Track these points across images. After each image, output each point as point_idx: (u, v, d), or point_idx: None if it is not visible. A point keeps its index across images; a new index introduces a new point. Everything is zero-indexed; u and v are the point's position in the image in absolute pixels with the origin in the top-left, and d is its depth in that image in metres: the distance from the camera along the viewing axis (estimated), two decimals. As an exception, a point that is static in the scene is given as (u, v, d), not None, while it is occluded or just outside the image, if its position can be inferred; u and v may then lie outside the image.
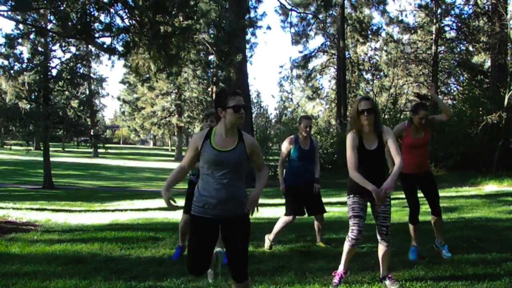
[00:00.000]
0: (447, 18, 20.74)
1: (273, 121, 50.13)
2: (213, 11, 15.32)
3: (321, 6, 20.67)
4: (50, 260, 4.81)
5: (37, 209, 9.71)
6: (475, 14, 19.65)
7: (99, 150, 38.44)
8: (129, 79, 41.24)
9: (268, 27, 66.17)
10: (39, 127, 18.44)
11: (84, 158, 40.37)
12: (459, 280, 3.75)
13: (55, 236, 6.28)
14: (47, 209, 9.81)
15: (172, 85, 37.34)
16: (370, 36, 23.99)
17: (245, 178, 3.04)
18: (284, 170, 5.33)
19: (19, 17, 16.02)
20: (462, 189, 12.29)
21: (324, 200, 5.79)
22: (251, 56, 23.81)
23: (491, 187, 12.56)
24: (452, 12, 20.40)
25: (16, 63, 18.10)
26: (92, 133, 24.26)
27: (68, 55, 19.95)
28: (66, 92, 20.68)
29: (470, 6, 20.02)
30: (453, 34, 21.69)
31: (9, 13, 11.76)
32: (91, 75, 36.52)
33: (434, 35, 19.43)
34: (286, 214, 5.17)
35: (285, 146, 5.16)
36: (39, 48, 18.56)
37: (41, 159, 20.08)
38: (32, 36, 17.59)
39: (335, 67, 25.45)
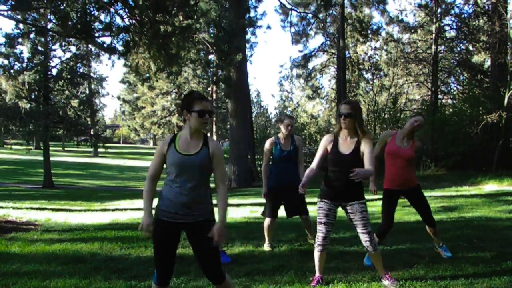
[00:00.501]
0: (447, 18, 20.74)
1: (273, 120, 50.23)
2: (213, 11, 15.30)
3: (321, 5, 20.63)
4: (50, 260, 4.81)
5: (37, 209, 9.71)
6: (475, 14, 19.64)
7: (99, 150, 38.45)
8: (129, 78, 41.18)
9: (268, 27, 66.08)
10: (39, 127, 18.45)
11: (84, 158, 40.39)
12: (459, 279, 3.75)
13: (55, 236, 6.28)
14: (47, 209, 9.81)
15: (172, 84, 37.32)
16: (370, 36, 23.94)
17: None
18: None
19: (19, 17, 16.03)
20: (462, 188, 12.29)
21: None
22: (251, 56, 23.78)
23: (491, 186, 12.57)
24: (452, 11, 20.41)
25: (16, 63, 18.12)
26: (92, 133, 24.27)
27: (68, 55, 19.99)
28: (66, 92, 20.69)
29: (470, 6, 20.03)
30: (453, 33, 21.68)
31: (9, 12, 11.75)
32: (91, 74, 36.53)
33: (434, 35, 19.41)
34: (263, 214, 5.21)
35: (266, 147, 5.13)
36: (39, 48, 18.57)
37: (41, 158, 20.09)
38: (32, 35, 17.60)
39: (335, 66, 25.41)
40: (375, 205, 7.18)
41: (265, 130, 25.80)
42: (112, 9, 10.53)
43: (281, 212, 5.24)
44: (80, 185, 21.66)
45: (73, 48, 20.04)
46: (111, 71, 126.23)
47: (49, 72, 19.11)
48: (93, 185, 21.63)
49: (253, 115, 28.57)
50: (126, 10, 10.55)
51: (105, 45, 11.53)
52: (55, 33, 16.19)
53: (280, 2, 23.31)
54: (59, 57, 19.82)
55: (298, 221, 5.54)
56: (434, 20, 19.34)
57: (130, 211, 9.45)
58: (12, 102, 18.35)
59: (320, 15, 23.11)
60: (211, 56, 20.92)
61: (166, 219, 2.88)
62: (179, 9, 10.97)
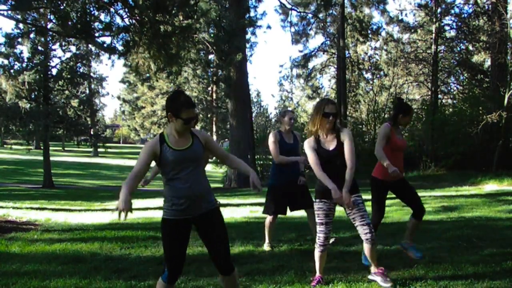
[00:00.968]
0: (447, 18, 20.75)
1: (273, 120, 50.26)
2: (213, 11, 15.32)
3: (321, 5, 20.65)
4: (50, 259, 4.81)
5: (37, 209, 9.72)
6: (475, 14, 19.65)
7: (99, 150, 38.51)
8: (129, 78, 41.25)
9: (268, 27, 66.02)
10: (39, 127, 18.45)
11: (84, 158, 40.40)
12: (459, 279, 3.75)
13: (55, 236, 6.28)
14: (47, 209, 9.82)
15: (172, 84, 37.32)
16: (370, 36, 23.95)
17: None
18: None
19: (19, 17, 16.05)
20: (462, 188, 12.29)
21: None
22: (251, 56, 23.76)
23: (491, 186, 12.57)
24: (452, 11, 20.42)
25: (16, 63, 18.14)
26: (92, 133, 24.28)
27: (68, 55, 19.99)
28: (66, 92, 20.70)
29: (470, 5, 20.03)
30: (453, 33, 21.68)
31: (9, 12, 11.76)
32: (91, 74, 36.48)
33: (434, 35, 19.40)
34: (264, 212, 5.16)
35: (273, 140, 5.01)
36: (39, 48, 18.58)
37: (41, 158, 20.10)
38: (32, 35, 17.61)
39: (335, 66, 25.41)
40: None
41: (265, 130, 25.82)
42: (112, 9, 10.54)
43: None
44: (80, 185, 21.67)
45: (73, 48, 20.09)
46: (111, 71, 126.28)
47: (49, 72, 19.12)
48: (93, 185, 21.63)
49: (253, 115, 28.58)
50: (126, 10, 10.56)
51: (105, 45, 11.54)
52: (55, 33, 16.20)
53: (280, 2, 23.31)
54: (59, 57, 19.84)
55: (298, 221, 5.54)
56: (434, 20, 19.34)
57: (130, 211, 9.43)
58: (12, 102, 18.37)
59: (320, 15, 23.12)
60: (211, 56, 20.95)
61: (178, 218, 2.91)
62: (179, 9, 10.98)
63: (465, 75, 21.86)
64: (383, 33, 24.44)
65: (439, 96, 22.31)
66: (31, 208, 9.69)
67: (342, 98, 21.82)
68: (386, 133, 4.28)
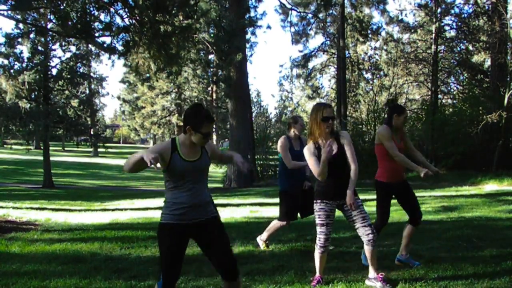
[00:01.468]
0: (447, 18, 20.73)
1: (273, 120, 50.21)
2: (213, 11, 15.30)
3: (321, 5, 20.62)
4: (50, 259, 4.82)
5: (37, 209, 9.71)
6: (475, 14, 19.64)
7: (99, 150, 38.51)
8: (129, 78, 41.21)
9: (268, 27, 65.94)
10: (39, 127, 18.45)
11: (84, 158, 40.39)
12: (459, 279, 3.75)
13: (55, 236, 6.28)
14: (47, 209, 9.81)
15: (172, 84, 37.34)
16: (370, 36, 23.95)
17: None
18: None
19: (19, 17, 16.05)
20: (462, 188, 12.29)
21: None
22: (251, 56, 23.71)
23: (491, 186, 12.58)
24: (452, 11, 20.42)
25: (16, 63, 18.14)
26: (92, 133, 24.29)
27: (68, 55, 19.99)
28: (66, 92, 20.70)
29: (470, 6, 20.03)
30: (453, 33, 21.68)
31: (9, 12, 11.77)
32: (91, 74, 36.50)
33: (434, 35, 19.39)
34: (279, 219, 5.08)
35: (284, 144, 4.99)
36: (39, 48, 18.57)
37: (41, 158, 20.10)
38: (32, 35, 17.61)
39: (335, 66, 25.41)
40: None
41: (265, 130, 25.77)
42: (112, 9, 10.54)
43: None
44: (80, 185, 21.67)
45: (73, 48, 20.07)
46: (111, 71, 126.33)
47: (49, 72, 19.11)
48: (93, 185, 21.63)
49: (253, 115, 28.56)
50: (126, 10, 10.56)
51: (105, 45, 11.55)
52: (55, 33, 16.20)
53: (280, 2, 23.32)
54: (59, 57, 19.84)
55: (298, 221, 5.53)
56: (434, 20, 19.33)
57: (130, 211, 9.45)
58: (12, 102, 18.37)
59: (320, 15, 23.12)
60: (211, 56, 20.92)
61: (175, 222, 2.90)
62: (179, 9, 10.99)
63: (465, 75, 21.85)
64: (383, 33, 24.47)
65: (439, 96, 22.30)
66: (31, 208, 9.69)
67: (342, 98, 21.82)
68: (389, 133, 4.25)
